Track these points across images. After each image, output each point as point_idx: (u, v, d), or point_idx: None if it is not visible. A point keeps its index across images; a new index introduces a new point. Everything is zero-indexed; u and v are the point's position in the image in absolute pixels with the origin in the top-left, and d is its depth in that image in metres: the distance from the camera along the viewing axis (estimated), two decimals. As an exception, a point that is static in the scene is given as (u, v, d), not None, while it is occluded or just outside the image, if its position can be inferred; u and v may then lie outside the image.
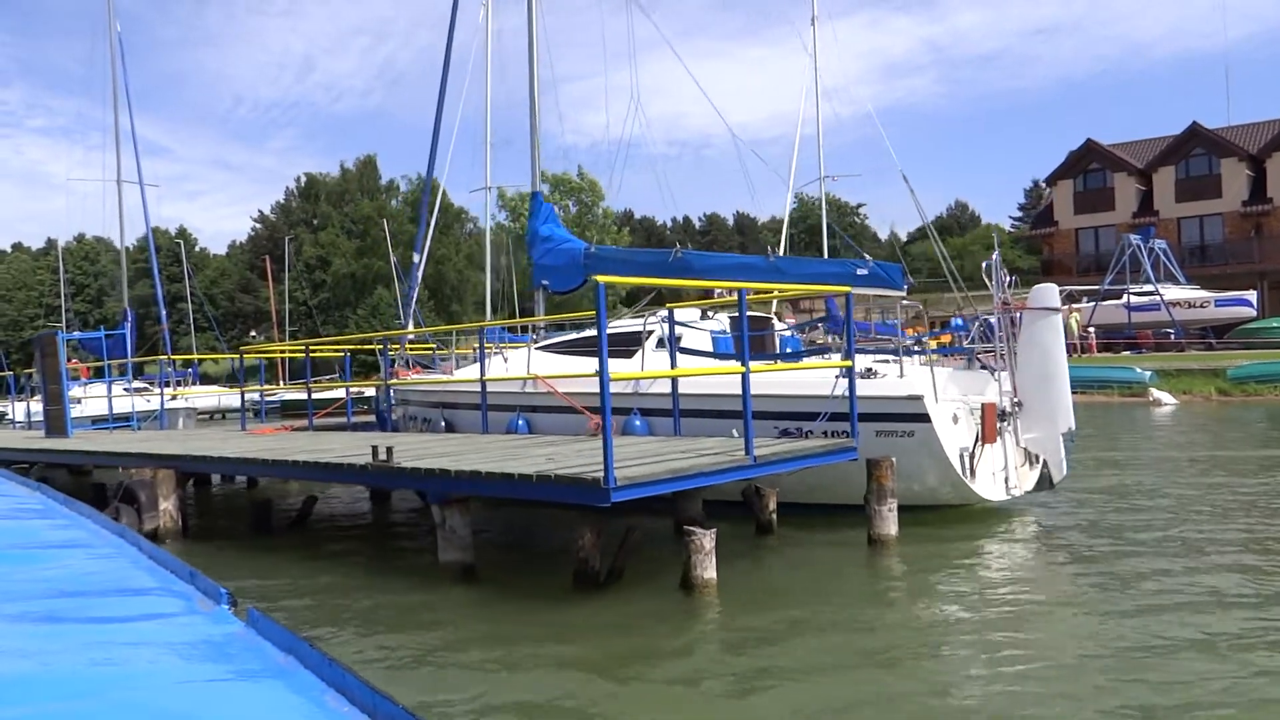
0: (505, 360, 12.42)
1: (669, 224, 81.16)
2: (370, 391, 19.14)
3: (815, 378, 9.40)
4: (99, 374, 25.63)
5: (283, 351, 28.09)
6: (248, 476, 14.68)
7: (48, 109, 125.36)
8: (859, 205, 72.70)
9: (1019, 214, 75.39)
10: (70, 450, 12.96)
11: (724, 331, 11.39)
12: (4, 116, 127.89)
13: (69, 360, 16.19)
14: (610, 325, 11.90)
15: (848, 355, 8.63)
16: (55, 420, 15.53)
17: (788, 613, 6.72)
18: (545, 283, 13.37)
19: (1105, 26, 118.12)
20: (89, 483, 15.82)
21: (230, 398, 32.25)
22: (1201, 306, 34.49)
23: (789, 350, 12.29)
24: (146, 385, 21.58)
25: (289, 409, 28.41)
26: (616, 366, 10.87)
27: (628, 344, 11.25)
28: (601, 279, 6.44)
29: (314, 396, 28.33)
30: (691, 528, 6.82)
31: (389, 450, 8.04)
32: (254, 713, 1.87)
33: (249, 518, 10.78)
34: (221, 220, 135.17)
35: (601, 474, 6.47)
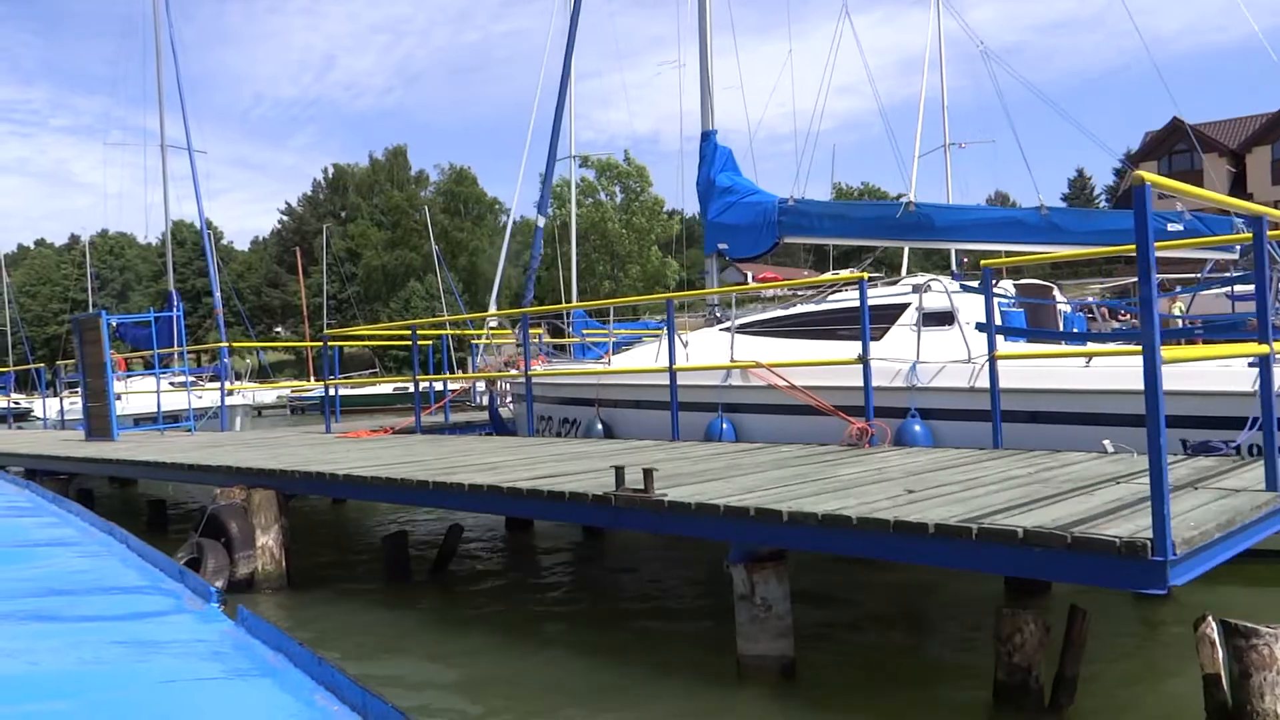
0: (685, 345, 9.52)
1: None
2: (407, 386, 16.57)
3: (1217, 368, 6.48)
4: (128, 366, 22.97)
5: (370, 338, 25.42)
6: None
7: (72, 109, 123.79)
8: (898, 196, 69.87)
9: (1062, 204, 73.86)
10: (133, 462, 9.99)
11: (1011, 302, 8.47)
12: (28, 115, 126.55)
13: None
14: (834, 299, 8.99)
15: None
16: (98, 420, 12.74)
17: None
18: (723, 246, 10.40)
19: (1125, 21, 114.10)
20: (141, 498, 13.04)
21: (264, 394, 29.75)
22: (1314, 295, 31.39)
23: (1075, 330, 9.33)
24: (196, 378, 18.84)
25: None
26: (857, 349, 8.00)
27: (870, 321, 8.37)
28: (1149, 175, 3.51)
29: (348, 393, 25.59)
30: (1244, 623, 3.88)
31: (648, 475, 5.14)
32: (244, 711, 1.81)
33: (381, 560, 7.89)
34: (243, 219, 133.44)
35: (1146, 536, 3.55)
